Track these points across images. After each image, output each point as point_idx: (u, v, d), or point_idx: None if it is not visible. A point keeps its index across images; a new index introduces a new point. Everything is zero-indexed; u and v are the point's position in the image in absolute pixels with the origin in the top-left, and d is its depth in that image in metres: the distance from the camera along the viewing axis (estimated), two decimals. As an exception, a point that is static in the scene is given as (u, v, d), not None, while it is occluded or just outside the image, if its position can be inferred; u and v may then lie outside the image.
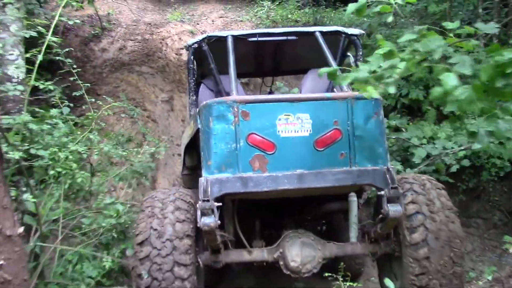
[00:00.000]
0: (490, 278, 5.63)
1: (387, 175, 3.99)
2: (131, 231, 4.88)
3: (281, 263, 4.37)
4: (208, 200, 3.73)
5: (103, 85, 10.49)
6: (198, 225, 3.76)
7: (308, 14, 14.80)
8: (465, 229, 8.42)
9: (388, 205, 3.94)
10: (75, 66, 5.40)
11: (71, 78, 5.64)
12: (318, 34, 4.80)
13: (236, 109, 3.94)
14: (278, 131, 3.95)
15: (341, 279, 3.68)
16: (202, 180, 3.84)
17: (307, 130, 3.98)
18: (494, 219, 8.33)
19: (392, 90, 2.69)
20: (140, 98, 10.09)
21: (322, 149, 4.01)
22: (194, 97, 4.89)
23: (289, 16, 14.83)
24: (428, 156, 7.02)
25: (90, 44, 12.25)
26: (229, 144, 3.90)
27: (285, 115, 3.97)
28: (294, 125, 3.97)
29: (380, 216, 4.18)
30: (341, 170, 4.00)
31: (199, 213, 3.74)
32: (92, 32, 12.58)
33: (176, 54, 12.48)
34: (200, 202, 3.74)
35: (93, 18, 13.09)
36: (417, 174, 5.02)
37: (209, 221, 3.70)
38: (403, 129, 8.10)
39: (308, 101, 4.07)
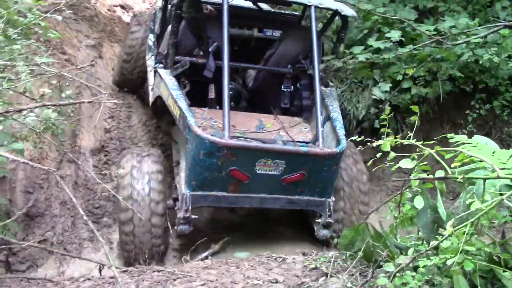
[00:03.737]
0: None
1: (327, 208, 5.03)
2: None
3: None
4: (188, 217, 4.64)
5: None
6: (175, 228, 4.81)
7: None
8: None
9: (321, 230, 5.09)
10: None
11: None
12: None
13: (225, 152, 4.50)
14: (255, 169, 4.66)
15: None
16: (184, 194, 4.68)
17: (279, 171, 4.73)
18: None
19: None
20: (57, 40, 7.86)
21: (286, 184, 4.83)
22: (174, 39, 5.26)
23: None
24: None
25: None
26: (213, 173, 4.61)
27: (265, 159, 4.65)
28: (270, 167, 4.69)
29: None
30: (295, 198, 4.96)
31: (178, 220, 4.70)
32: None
33: (109, 10, 10.40)
34: (180, 213, 4.67)
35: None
36: None
37: (185, 228, 4.70)
38: None
39: (286, 154, 4.72)
